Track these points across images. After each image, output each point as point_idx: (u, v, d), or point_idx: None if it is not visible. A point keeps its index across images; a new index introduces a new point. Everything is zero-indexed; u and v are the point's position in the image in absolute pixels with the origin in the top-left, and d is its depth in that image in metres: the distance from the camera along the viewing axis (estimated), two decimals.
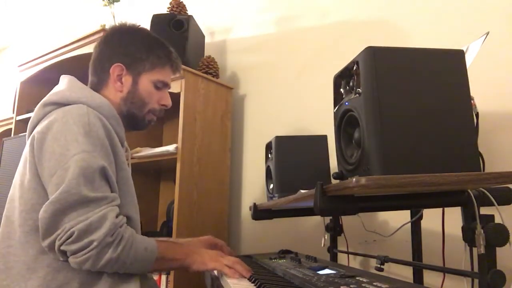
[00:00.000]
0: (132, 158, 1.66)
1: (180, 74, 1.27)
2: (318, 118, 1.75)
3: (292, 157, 1.36)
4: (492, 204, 0.79)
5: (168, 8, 2.16)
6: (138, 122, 1.18)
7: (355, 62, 0.78)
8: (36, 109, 1.04)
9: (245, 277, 1.03)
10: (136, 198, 1.09)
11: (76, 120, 0.96)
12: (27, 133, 1.06)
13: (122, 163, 1.03)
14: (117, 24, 1.22)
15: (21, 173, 1.01)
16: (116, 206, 0.95)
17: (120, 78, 1.14)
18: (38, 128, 0.99)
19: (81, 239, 0.87)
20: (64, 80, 1.11)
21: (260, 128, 2.11)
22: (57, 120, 0.97)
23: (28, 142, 1.02)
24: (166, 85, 1.20)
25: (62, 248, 0.88)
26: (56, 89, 1.09)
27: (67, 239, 0.87)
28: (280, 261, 1.26)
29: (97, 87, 1.15)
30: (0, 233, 1.00)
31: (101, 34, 1.96)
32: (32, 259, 0.93)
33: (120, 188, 1.01)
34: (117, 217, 0.93)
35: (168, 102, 1.21)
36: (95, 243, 0.87)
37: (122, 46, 1.16)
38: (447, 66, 0.78)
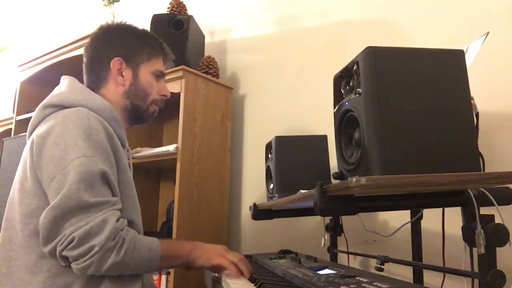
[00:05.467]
0: (132, 158, 1.66)
1: (172, 64, 1.29)
2: (318, 118, 1.75)
3: (292, 157, 1.36)
4: (492, 204, 0.79)
5: (168, 8, 2.16)
6: (143, 113, 1.19)
7: (355, 62, 0.78)
8: (36, 110, 1.04)
9: (245, 277, 1.03)
10: (138, 201, 1.08)
11: (76, 124, 0.95)
12: (27, 135, 1.06)
13: (124, 166, 1.03)
14: (104, 24, 1.22)
15: (21, 176, 1.00)
16: (117, 210, 0.94)
17: (121, 72, 1.15)
18: (38, 131, 0.98)
19: (81, 245, 0.86)
20: (65, 82, 1.11)
21: (260, 128, 2.11)
22: (57, 124, 0.96)
23: (27, 145, 1.01)
24: (163, 74, 1.23)
25: (63, 254, 0.87)
26: (56, 90, 1.09)
27: (68, 244, 0.86)
28: (280, 261, 1.26)
29: (97, 86, 1.15)
30: (1, 237, 1.00)
31: None
32: (33, 263, 0.92)
33: (121, 191, 1.00)
34: (118, 220, 0.91)
35: (167, 92, 1.24)
36: (96, 248, 0.86)
37: (117, 41, 1.17)
38: (447, 66, 0.78)
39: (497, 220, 0.77)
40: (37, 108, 1.04)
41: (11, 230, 0.98)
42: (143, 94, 1.17)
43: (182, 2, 2.20)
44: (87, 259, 0.86)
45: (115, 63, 1.14)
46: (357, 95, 0.76)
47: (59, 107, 1.02)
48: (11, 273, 0.94)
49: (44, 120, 1.01)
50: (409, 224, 1.15)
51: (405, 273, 1.28)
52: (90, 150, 0.93)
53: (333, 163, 0.96)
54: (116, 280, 0.94)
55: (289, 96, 1.98)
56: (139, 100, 1.17)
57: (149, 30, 1.26)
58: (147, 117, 1.21)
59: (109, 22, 1.22)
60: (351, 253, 1.43)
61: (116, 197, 0.96)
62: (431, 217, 1.13)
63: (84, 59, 1.18)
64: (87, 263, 0.86)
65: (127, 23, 1.23)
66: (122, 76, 1.15)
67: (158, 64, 1.21)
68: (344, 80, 0.85)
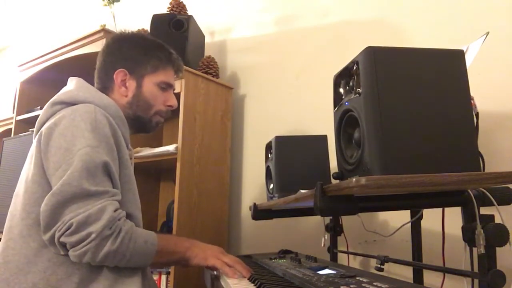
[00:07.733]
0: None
1: (182, 74, 1.29)
2: (318, 118, 1.75)
3: (292, 157, 1.36)
4: (492, 204, 0.79)
5: (168, 8, 2.16)
6: (145, 124, 1.21)
7: (355, 62, 0.78)
8: (44, 107, 1.07)
9: (245, 277, 1.03)
10: (139, 197, 1.09)
11: (83, 117, 0.98)
12: (34, 131, 1.08)
13: (126, 161, 1.05)
14: (117, 32, 1.24)
15: (27, 169, 1.03)
16: (116, 201, 0.96)
17: (124, 83, 1.17)
18: (46, 125, 1.01)
19: (79, 231, 0.88)
20: (73, 82, 1.14)
21: (260, 128, 2.11)
22: (65, 117, 0.99)
23: (35, 139, 1.04)
24: (170, 86, 1.23)
25: (61, 240, 0.89)
26: (64, 89, 1.12)
27: (66, 230, 0.88)
28: (280, 261, 1.26)
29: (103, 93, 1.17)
30: (4, 229, 1.02)
31: (101, 34, 1.96)
32: (33, 253, 0.94)
33: (122, 185, 1.02)
34: (116, 210, 0.93)
35: (174, 102, 1.24)
36: (93, 235, 0.88)
37: (123, 51, 1.19)
38: (447, 66, 0.78)
39: (497, 220, 0.77)
40: (46, 106, 1.07)
41: (11, 221, 1.00)
42: (146, 105, 1.18)
43: (182, 2, 2.20)
44: (83, 245, 0.88)
45: (119, 74, 1.16)
46: (357, 95, 0.76)
47: (67, 104, 1.05)
48: (7, 262, 0.95)
49: (52, 116, 1.04)
50: (409, 224, 1.15)
51: (405, 273, 1.28)
52: (96, 141, 0.96)
53: (333, 163, 0.96)
54: (115, 271, 0.96)
55: (289, 96, 1.98)
56: (141, 111, 1.18)
57: (157, 40, 1.25)
58: (150, 128, 1.22)
59: (121, 31, 1.24)
60: (351, 253, 1.43)
61: (116, 189, 0.98)
62: (431, 217, 1.13)
63: (96, 68, 1.21)
64: (84, 249, 0.88)
65: (138, 32, 1.24)
66: (126, 87, 1.17)
67: (165, 76, 1.20)
68: (344, 80, 0.85)
